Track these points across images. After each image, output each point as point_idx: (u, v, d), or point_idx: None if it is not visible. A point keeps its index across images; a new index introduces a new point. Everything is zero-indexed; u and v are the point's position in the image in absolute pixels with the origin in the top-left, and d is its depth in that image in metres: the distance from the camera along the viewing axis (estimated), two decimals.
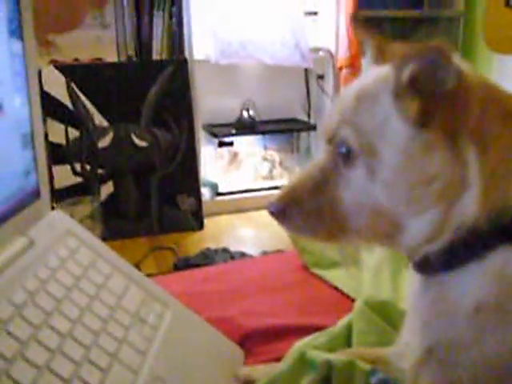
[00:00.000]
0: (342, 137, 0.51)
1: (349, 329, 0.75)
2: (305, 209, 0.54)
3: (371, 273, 0.88)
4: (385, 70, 0.52)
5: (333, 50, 3.06)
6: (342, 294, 0.87)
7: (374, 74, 0.54)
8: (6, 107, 0.59)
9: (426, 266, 0.52)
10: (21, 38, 0.62)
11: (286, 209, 0.54)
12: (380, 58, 0.58)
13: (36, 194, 0.66)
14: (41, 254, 0.60)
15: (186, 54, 2.77)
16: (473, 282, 0.48)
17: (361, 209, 0.51)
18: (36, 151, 0.65)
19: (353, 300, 0.82)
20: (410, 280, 0.56)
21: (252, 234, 2.68)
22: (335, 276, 0.90)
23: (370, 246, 0.58)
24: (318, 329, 0.76)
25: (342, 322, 0.76)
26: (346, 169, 0.52)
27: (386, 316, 0.76)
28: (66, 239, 0.64)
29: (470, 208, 0.48)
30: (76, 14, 0.81)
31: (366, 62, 0.60)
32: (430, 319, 0.52)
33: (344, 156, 0.51)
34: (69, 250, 0.63)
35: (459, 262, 0.49)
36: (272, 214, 0.55)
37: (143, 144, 2.68)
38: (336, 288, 0.89)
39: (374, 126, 0.50)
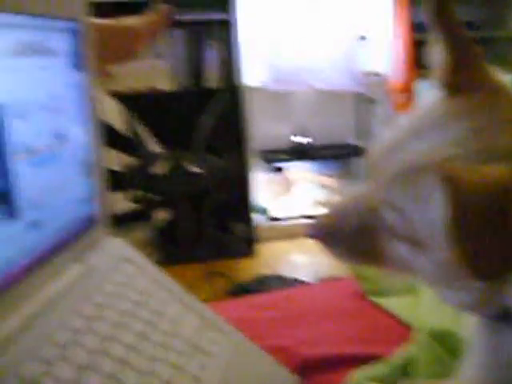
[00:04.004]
0: (386, 217, 0.46)
1: (408, 359, 0.73)
2: (348, 242, 0.50)
3: (430, 301, 0.85)
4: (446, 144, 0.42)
5: (385, 74, 3.04)
6: (401, 322, 0.84)
7: (435, 142, 0.43)
8: (68, 136, 0.60)
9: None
10: (82, 69, 0.63)
11: (330, 235, 0.51)
12: (454, 81, 0.45)
13: (94, 221, 0.67)
14: (98, 280, 0.60)
15: (239, 81, 2.81)
16: None
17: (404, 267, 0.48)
18: (95, 179, 0.67)
19: (412, 329, 0.79)
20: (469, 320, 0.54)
21: (306, 261, 2.66)
22: (394, 304, 0.87)
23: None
24: (376, 358, 0.74)
25: (402, 351, 0.74)
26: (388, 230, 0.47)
27: (449, 346, 0.73)
28: (123, 266, 0.65)
29: None
30: (134, 46, 0.84)
31: (428, 84, 0.49)
32: (490, 364, 0.49)
33: None
34: (126, 277, 0.63)
35: None
36: (315, 236, 0.51)
37: (197, 171, 2.71)
38: (394, 317, 0.86)
39: (424, 222, 0.42)
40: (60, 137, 0.59)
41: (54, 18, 0.58)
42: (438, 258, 0.43)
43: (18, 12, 0.52)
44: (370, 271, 0.93)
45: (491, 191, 0.35)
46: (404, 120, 0.48)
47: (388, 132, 0.48)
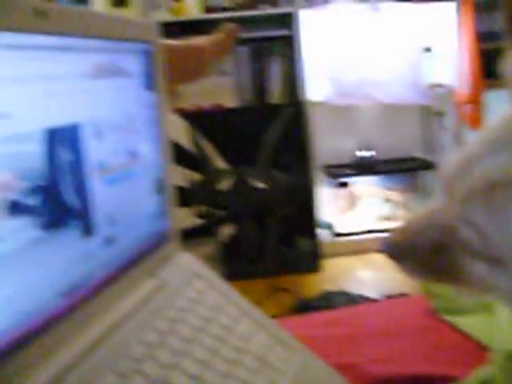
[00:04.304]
0: (463, 234, 0.44)
1: (485, 381, 0.70)
2: (421, 259, 0.49)
3: (508, 321, 0.82)
4: None
5: (452, 85, 2.97)
6: (477, 342, 0.81)
7: None
8: (139, 154, 0.62)
9: None
10: (153, 89, 0.65)
11: (403, 251, 0.50)
12: None
13: (166, 237, 0.68)
14: (171, 295, 0.61)
15: (303, 96, 2.81)
16: None
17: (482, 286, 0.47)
18: (166, 195, 0.68)
19: (488, 349, 0.76)
20: None
21: (372, 277, 2.62)
22: (469, 323, 0.84)
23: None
24: (449, 379, 0.71)
25: (478, 373, 0.71)
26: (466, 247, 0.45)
27: None
28: (193, 281, 0.66)
29: None
30: (202, 66, 0.86)
31: (497, 94, 0.51)
32: None
33: None
34: (196, 292, 0.64)
35: None
36: (387, 252, 0.50)
37: (262, 186, 2.72)
38: (470, 336, 0.83)
39: (504, 239, 0.41)
40: (133, 155, 0.61)
41: (129, 40, 0.61)
42: None
43: (95, 36, 0.54)
44: (442, 288, 0.90)
45: None
46: (479, 134, 0.47)
47: (462, 146, 0.47)
